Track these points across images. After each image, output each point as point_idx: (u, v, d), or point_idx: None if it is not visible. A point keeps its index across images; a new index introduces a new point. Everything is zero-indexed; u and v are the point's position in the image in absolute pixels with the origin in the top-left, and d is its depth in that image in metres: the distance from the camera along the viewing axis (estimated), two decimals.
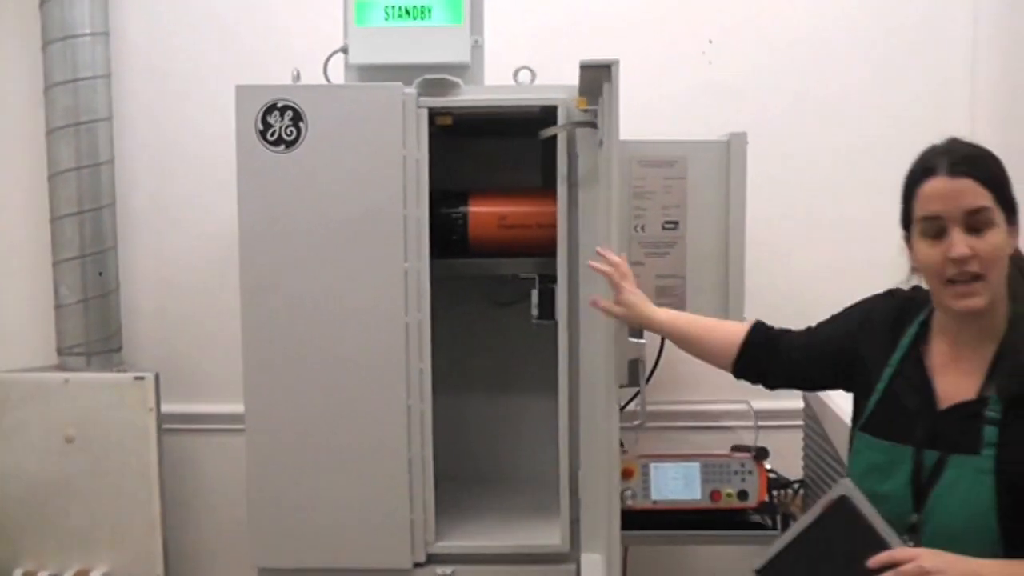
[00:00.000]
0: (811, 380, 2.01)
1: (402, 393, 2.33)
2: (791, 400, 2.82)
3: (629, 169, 2.43)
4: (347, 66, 2.46)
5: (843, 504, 1.58)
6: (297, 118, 2.31)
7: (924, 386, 1.68)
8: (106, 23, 2.92)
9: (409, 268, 2.31)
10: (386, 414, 2.34)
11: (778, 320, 2.93)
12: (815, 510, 1.62)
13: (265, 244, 2.33)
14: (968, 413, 1.60)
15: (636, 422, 2.23)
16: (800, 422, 2.81)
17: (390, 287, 2.32)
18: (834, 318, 1.92)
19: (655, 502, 2.53)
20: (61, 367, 2.96)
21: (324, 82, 2.48)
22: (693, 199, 2.45)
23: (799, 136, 3.04)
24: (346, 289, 2.33)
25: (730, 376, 2.77)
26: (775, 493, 2.66)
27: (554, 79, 2.36)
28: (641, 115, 2.91)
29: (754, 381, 2.06)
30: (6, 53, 3.04)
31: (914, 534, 1.60)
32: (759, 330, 2.03)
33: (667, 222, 2.44)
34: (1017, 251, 1.64)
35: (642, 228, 2.44)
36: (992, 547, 1.54)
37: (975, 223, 1.55)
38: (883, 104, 3.04)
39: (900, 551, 1.51)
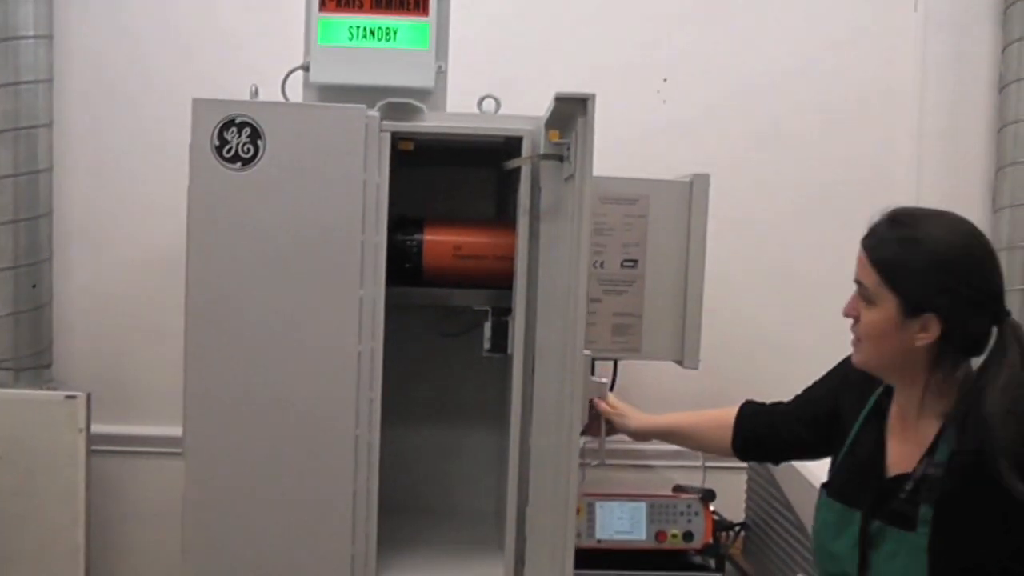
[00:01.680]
0: (811, 446, 1.98)
1: (350, 423, 2.26)
2: None
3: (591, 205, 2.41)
4: (307, 84, 2.40)
5: None
6: (256, 135, 2.24)
7: (878, 448, 1.70)
8: (50, 26, 2.80)
9: (364, 295, 2.25)
10: (333, 444, 2.27)
11: (729, 362, 2.98)
12: None
13: (215, 264, 2.24)
14: (908, 487, 1.60)
15: (595, 462, 2.20)
16: (743, 464, 2.82)
17: (343, 313, 2.25)
18: (820, 380, 1.93)
19: (600, 541, 2.53)
20: None
21: (281, 99, 2.42)
22: (653, 238, 2.43)
23: (754, 174, 3.07)
24: (298, 314, 2.25)
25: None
26: (718, 535, 2.66)
27: (514, 109, 2.34)
28: (597, 151, 2.95)
29: (761, 459, 2.09)
30: None
31: None
32: (749, 406, 2.08)
33: (626, 260, 2.42)
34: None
35: (601, 264, 2.42)
36: None
37: (861, 294, 1.62)
38: (835, 146, 3.09)
39: None
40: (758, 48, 3.07)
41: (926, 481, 1.57)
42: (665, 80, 3.09)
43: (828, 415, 1.86)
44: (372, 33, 2.36)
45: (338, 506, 2.28)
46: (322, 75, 2.37)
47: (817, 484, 2.30)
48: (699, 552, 2.56)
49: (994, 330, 1.54)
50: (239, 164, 2.24)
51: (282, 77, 2.41)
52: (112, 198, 2.92)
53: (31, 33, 2.73)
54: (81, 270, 2.95)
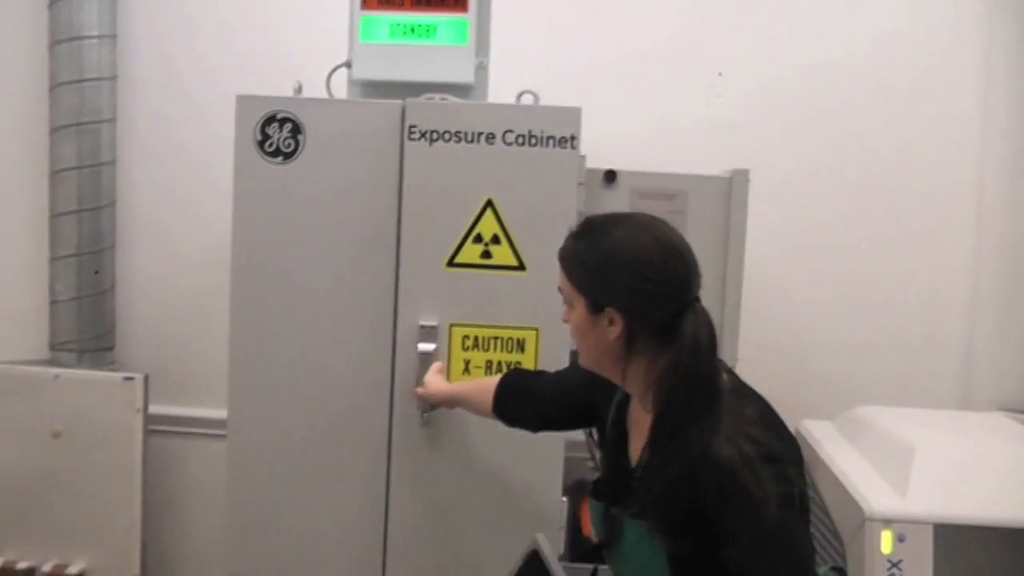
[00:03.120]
0: (563, 425, 2.03)
1: (385, 406, 2.32)
2: None
3: (628, 200, 2.41)
4: (350, 81, 2.46)
5: (535, 556, 1.70)
6: (296, 130, 2.30)
7: (622, 441, 1.71)
8: (114, 26, 2.94)
9: (401, 282, 2.30)
10: (370, 430, 2.33)
11: (773, 360, 2.96)
12: (519, 558, 1.73)
13: (257, 253, 2.33)
14: (636, 477, 1.62)
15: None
16: None
17: (380, 301, 2.31)
18: (574, 367, 1.88)
19: None
20: (52, 362, 2.97)
21: (326, 95, 2.48)
22: (692, 233, 2.40)
23: (806, 169, 3.02)
24: (337, 302, 2.32)
25: None
26: None
27: (557, 101, 2.34)
28: (647, 146, 2.95)
29: (511, 424, 2.09)
30: (13, 52, 3.07)
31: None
32: (510, 376, 2.10)
33: None
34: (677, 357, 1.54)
35: None
36: None
37: (563, 299, 1.67)
38: (894, 140, 3.01)
39: None
40: (814, 40, 3.01)
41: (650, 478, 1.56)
42: (720, 74, 3.05)
43: (583, 404, 1.87)
44: (412, 30, 2.41)
45: (374, 493, 2.34)
46: (364, 72, 2.42)
47: (851, 485, 2.30)
48: None
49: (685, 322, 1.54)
50: (280, 158, 2.31)
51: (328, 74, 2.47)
52: (173, 190, 3.04)
53: (95, 33, 2.86)
54: (143, 258, 3.08)
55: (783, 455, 1.49)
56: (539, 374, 2.12)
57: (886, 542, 2.19)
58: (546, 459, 2.32)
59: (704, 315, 1.55)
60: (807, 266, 3.03)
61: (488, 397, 2.08)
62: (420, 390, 2.26)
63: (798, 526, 1.48)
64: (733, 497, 1.42)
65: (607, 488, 1.71)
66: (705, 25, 3.02)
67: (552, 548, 1.69)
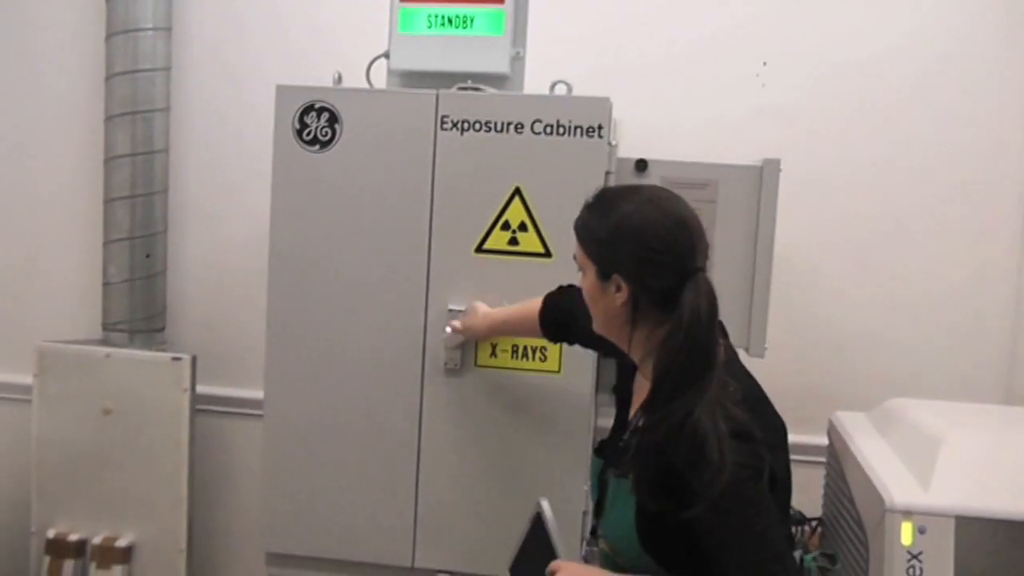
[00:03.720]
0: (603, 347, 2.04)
1: (416, 381, 2.40)
2: (814, 436, 2.81)
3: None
4: (389, 71, 2.52)
5: (539, 519, 1.76)
6: (333, 119, 2.38)
7: (626, 402, 1.81)
8: (169, 18, 3.05)
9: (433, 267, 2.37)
10: (401, 409, 2.41)
11: (809, 350, 2.97)
12: (527, 522, 1.80)
13: (294, 238, 2.41)
14: (626, 438, 1.72)
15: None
16: (822, 459, 2.79)
17: (412, 284, 2.38)
18: None
19: None
20: (105, 342, 3.10)
21: (366, 86, 2.54)
22: (722, 222, 2.43)
23: (849, 161, 3.00)
24: (370, 286, 2.39)
25: None
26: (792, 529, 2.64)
27: (602, 91, 2.38)
28: (690, 136, 2.97)
29: (566, 341, 2.20)
30: (71, 44, 3.20)
31: (595, 537, 1.82)
32: (555, 293, 2.19)
33: None
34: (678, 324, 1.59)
35: None
36: (643, 560, 1.65)
37: (577, 267, 1.76)
38: (937, 134, 2.98)
39: (555, 563, 1.65)
40: (861, 32, 2.99)
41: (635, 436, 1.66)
42: (765, 64, 3.05)
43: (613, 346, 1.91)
44: (450, 21, 2.46)
45: (405, 474, 2.41)
46: (402, 62, 2.48)
47: (876, 477, 2.30)
48: None
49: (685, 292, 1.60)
50: (317, 147, 2.38)
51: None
52: (223, 177, 3.15)
53: (150, 25, 2.98)
54: (193, 243, 3.20)
55: (756, 435, 1.54)
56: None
57: (906, 533, 2.18)
58: (568, 451, 2.38)
59: (706, 285, 1.60)
60: (849, 256, 3.01)
61: (534, 317, 2.18)
62: (457, 324, 2.32)
63: (761, 501, 1.54)
64: (700, 464, 1.48)
65: (606, 448, 1.81)
66: (751, 15, 3.01)
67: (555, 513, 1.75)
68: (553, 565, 1.64)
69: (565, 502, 2.36)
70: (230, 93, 3.12)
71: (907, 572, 2.07)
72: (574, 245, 1.74)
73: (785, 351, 2.97)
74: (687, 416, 1.51)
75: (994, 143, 2.96)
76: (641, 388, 1.72)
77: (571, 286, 2.16)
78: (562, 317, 2.15)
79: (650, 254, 1.61)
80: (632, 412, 1.75)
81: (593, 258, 1.69)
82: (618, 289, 1.65)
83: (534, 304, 2.21)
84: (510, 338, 2.36)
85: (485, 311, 2.32)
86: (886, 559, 2.17)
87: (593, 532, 1.84)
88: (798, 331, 3.01)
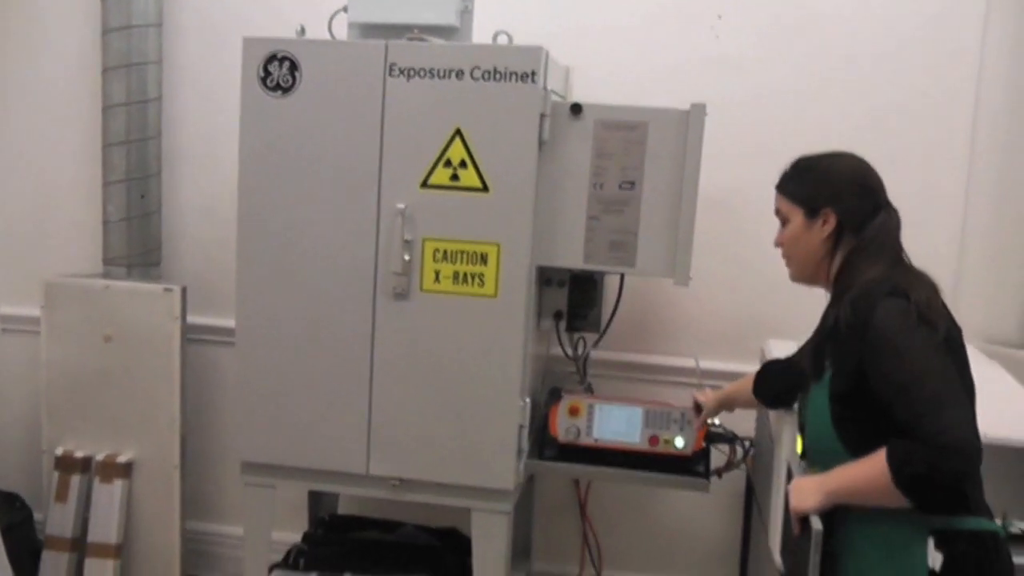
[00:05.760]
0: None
1: (368, 309, 2.64)
2: (739, 364, 3.03)
3: (592, 131, 2.63)
4: (349, 24, 2.73)
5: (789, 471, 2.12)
6: (293, 68, 2.60)
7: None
8: None
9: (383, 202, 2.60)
10: (356, 326, 2.64)
11: (746, 278, 3.14)
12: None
13: (260, 177, 2.65)
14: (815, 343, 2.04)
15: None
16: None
17: (365, 222, 2.61)
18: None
19: (596, 440, 2.74)
20: (106, 276, 3.36)
21: (329, 37, 2.76)
22: (652, 161, 2.62)
23: (807, 111, 3.14)
24: (328, 219, 2.62)
25: (681, 334, 3.05)
26: (725, 449, 2.84)
27: (551, 45, 2.59)
28: (644, 83, 3.14)
29: (772, 406, 2.50)
30: (70, 3, 3.44)
31: (804, 458, 2.10)
32: (767, 364, 2.56)
33: (624, 182, 2.63)
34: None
35: (601, 186, 2.64)
36: (837, 452, 1.90)
37: (780, 220, 2.13)
38: (889, 82, 3.11)
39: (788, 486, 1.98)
40: None
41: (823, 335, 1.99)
42: (720, 17, 3.20)
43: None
44: None
45: (360, 378, 2.66)
46: (358, 15, 2.71)
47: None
48: (689, 458, 2.74)
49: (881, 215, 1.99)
50: (280, 93, 2.62)
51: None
52: (212, 124, 3.37)
53: None
54: (186, 184, 3.45)
55: (922, 296, 1.85)
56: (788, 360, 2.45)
57: (801, 444, 2.38)
58: (505, 368, 2.61)
59: (896, 212, 2.00)
60: None
61: (749, 387, 2.54)
62: (699, 399, 2.73)
63: (928, 347, 1.80)
64: (870, 324, 1.82)
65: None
66: None
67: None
68: (788, 486, 1.96)
69: (501, 413, 2.62)
70: (215, 47, 3.33)
71: None
72: (776, 204, 2.10)
73: (723, 283, 3.18)
74: (864, 284, 1.88)
75: (948, 93, 3.08)
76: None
77: (774, 360, 2.53)
78: (776, 380, 2.46)
79: (856, 187, 2.00)
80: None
81: (800, 201, 2.04)
82: (825, 222, 2.00)
83: (748, 379, 2.56)
84: (452, 265, 2.59)
85: (711, 396, 2.71)
86: (782, 467, 2.38)
87: (803, 455, 2.12)
88: (737, 264, 3.18)
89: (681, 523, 3.38)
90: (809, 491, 1.88)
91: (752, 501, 3.16)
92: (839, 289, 1.98)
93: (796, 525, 1.91)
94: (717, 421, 2.82)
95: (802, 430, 2.11)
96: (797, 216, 2.05)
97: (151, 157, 3.33)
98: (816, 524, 1.83)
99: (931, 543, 1.82)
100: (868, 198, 2.00)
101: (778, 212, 2.12)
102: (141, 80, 3.27)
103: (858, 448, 1.84)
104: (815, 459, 2.01)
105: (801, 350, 2.25)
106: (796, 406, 2.21)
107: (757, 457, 2.92)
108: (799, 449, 2.30)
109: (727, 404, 2.68)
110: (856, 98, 3.12)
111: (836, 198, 2.00)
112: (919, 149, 3.11)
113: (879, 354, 1.80)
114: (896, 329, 1.80)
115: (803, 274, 2.11)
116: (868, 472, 1.78)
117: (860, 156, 2.06)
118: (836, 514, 1.86)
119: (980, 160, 3.11)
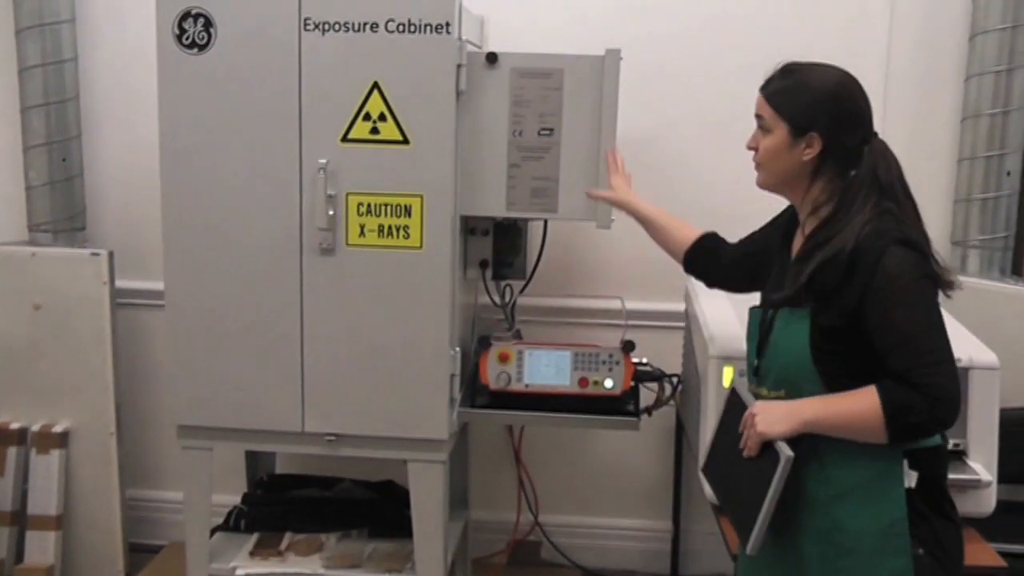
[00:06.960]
0: (737, 280, 2.33)
1: (295, 258, 2.65)
2: (664, 303, 3.08)
3: (509, 79, 2.65)
4: None
5: (733, 393, 2.05)
6: (208, 24, 2.58)
7: (785, 261, 2.04)
8: None
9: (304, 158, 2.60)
10: (283, 280, 2.66)
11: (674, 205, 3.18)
12: (723, 407, 2.08)
13: (180, 137, 2.63)
14: (794, 268, 1.96)
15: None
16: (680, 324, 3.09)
17: (287, 173, 2.61)
18: (761, 227, 2.24)
19: (528, 385, 2.79)
20: (32, 243, 3.33)
21: None
22: (568, 109, 2.66)
23: (715, 50, 3.22)
24: (250, 177, 2.62)
25: (606, 277, 3.08)
26: (653, 387, 2.92)
27: None
28: (559, 30, 3.17)
29: (698, 277, 2.44)
30: None
31: (757, 376, 2.03)
32: (709, 236, 2.41)
33: (543, 129, 2.66)
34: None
35: (520, 133, 2.67)
36: (809, 382, 1.89)
37: (760, 125, 2.00)
38: (800, 20, 3.19)
39: (751, 407, 1.92)
40: None
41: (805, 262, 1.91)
42: None
43: (757, 252, 2.20)
44: None
45: (291, 335, 2.68)
46: None
47: (707, 330, 2.57)
48: (619, 398, 2.81)
49: (866, 149, 1.91)
50: (196, 50, 2.60)
51: None
52: (131, 84, 3.32)
53: None
54: (108, 146, 3.42)
55: (924, 247, 1.84)
56: (728, 243, 2.39)
57: (727, 377, 2.47)
58: (434, 319, 2.65)
59: (884, 144, 1.92)
60: (714, 137, 3.22)
61: (683, 241, 2.42)
62: (599, 193, 2.63)
63: (929, 302, 1.82)
64: (878, 269, 1.79)
65: (767, 298, 2.06)
66: None
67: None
68: (750, 409, 1.91)
69: (432, 364, 2.66)
70: (129, 4, 3.28)
71: None
72: (758, 106, 1.98)
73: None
74: (865, 224, 1.83)
75: (854, 37, 3.17)
76: (804, 233, 1.99)
77: (713, 234, 2.42)
78: (709, 257, 2.37)
79: (848, 117, 1.91)
80: (794, 251, 2.00)
81: (788, 117, 1.93)
82: (808, 146, 1.91)
83: (683, 231, 2.45)
84: (377, 219, 2.61)
85: (629, 188, 2.62)
86: (710, 397, 2.46)
87: (755, 372, 2.05)
88: (658, 204, 3.10)
89: (615, 463, 3.47)
90: (779, 417, 1.86)
91: (682, 437, 3.25)
92: (833, 228, 1.88)
93: (753, 449, 1.88)
94: (645, 359, 2.90)
95: (759, 348, 2.04)
96: (780, 130, 1.94)
97: (71, 119, 3.29)
98: (786, 451, 1.81)
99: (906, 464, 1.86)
100: (859, 129, 1.92)
101: (759, 116, 1.99)
102: (56, 40, 3.21)
103: (833, 382, 1.85)
104: (778, 384, 1.96)
105: (751, 240, 2.25)
106: (748, 320, 2.11)
107: (685, 393, 3.01)
108: (727, 383, 2.39)
109: (639, 216, 2.57)
110: (768, 38, 3.15)
111: (826, 124, 1.90)
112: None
113: (886, 300, 1.79)
114: (908, 279, 1.79)
115: (773, 186, 2.02)
116: (856, 409, 1.80)
117: (852, 75, 1.95)
118: (802, 442, 1.84)
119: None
